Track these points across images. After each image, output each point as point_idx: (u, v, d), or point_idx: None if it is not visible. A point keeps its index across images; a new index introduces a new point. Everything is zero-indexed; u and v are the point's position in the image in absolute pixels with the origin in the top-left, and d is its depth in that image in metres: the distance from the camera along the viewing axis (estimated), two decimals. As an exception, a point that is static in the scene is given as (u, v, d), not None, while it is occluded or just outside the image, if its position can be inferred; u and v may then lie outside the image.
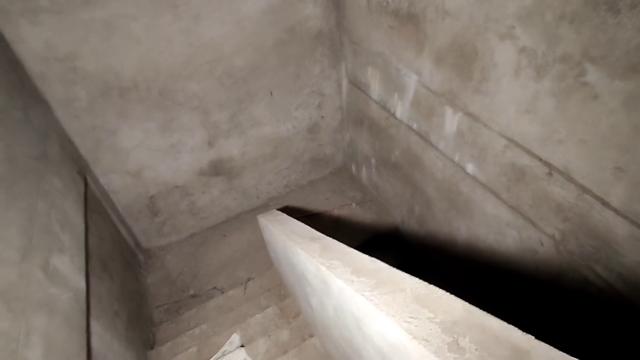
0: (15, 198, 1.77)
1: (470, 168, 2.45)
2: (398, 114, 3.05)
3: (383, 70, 3.04)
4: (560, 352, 0.63)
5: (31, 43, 2.44)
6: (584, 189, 1.74)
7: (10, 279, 1.53)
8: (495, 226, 2.43)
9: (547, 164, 1.89)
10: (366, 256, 1.36)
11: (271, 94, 3.58)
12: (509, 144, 2.07)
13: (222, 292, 3.42)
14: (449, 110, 2.44)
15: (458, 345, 0.72)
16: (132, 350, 2.52)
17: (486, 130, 2.19)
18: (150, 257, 3.82)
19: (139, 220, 3.66)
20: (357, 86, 3.57)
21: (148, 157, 3.33)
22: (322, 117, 4.04)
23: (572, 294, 2.02)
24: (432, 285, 0.98)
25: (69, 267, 2.02)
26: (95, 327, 2.11)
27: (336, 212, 4.16)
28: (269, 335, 2.48)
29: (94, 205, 2.86)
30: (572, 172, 1.77)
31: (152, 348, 2.87)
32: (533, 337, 0.69)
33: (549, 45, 1.64)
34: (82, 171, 2.83)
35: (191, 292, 3.51)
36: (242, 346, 2.46)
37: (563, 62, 1.61)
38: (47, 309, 1.70)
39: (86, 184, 2.81)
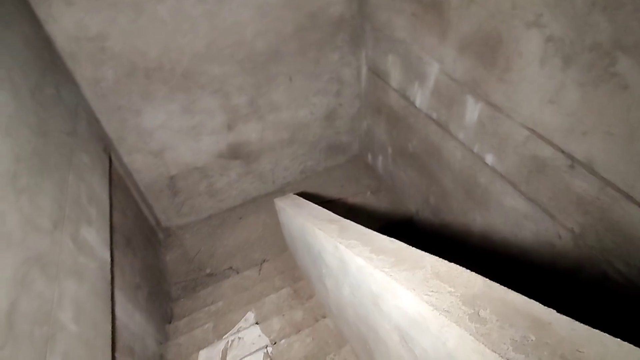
0: (49, 170, 1.85)
1: (489, 159, 2.44)
2: (417, 103, 3.04)
3: (404, 58, 3.02)
4: (583, 324, 0.65)
5: (63, 23, 2.51)
6: (607, 183, 1.73)
7: (44, 245, 1.62)
8: (512, 218, 2.43)
9: (569, 156, 1.87)
10: (385, 236, 1.39)
11: (290, 79, 3.60)
12: (531, 135, 2.05)
13: (238, 272, 3.51)
14: (470, 100, 2.43)
15: (479, 316, 0.75)
16: (152, 323, 2.62)
17: (508, 120, 2.18)
18: (169, 236, 3.93)
19: (160, 200, 3.77)
20: (377, 74, 3.56)
21: (170, 138, 3.40)
22: (340, 104, 4.04)
23: (589, 288, 2.01)
24: (452, 263, 1.00)
25: (96, 239, 2.11)
26: (119, 297, 2.21)
27: (350, 200, 4.19)
28: (283, 315, 2.55)
29: (118, 182, 2.96)
30: (596, 164, 1.76)
31: (170, 322, 2.98)
32: (554, 311, 0.71)
33: (579, 33, 1.62)
34: (107, 149, 2.92)
35: (208, 270, 3.61)
36: (256, 323, 2.54)
37: (592, 51, 1.58)
38: (76, 276, 1.79)
39: (111, 162, 2.90)
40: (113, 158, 3.00)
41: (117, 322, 2.11)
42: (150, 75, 2.99)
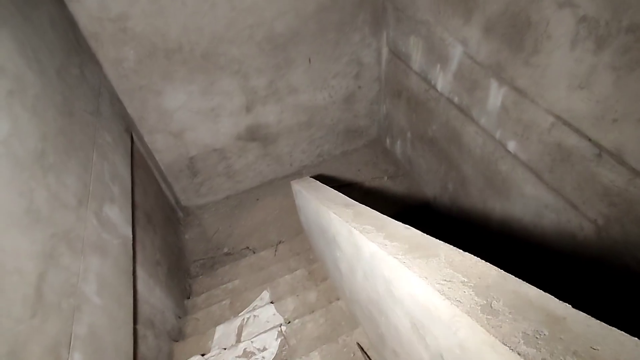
0: (75, 148, 1.91)
1: (511, 146, 2.37)
2: (439, 86, 2.96)
3: (426, 40, 2.93)
4: (598, 321, 0.64)
5: (86, 3, 2.54)
6: (637, 174, 1.66)
7: (70, 221, 1.69)
8: (533, 207, 2.37)
9: (597, 144, 1.80)
10: (400, 223, 1.39)
11: (309, 61, 3.55)
12: (557, 122, 1.98)
13: (254, 252, 3.58)
14: (494, 84, 2.34)
15: (491, 307, 0.74)
16: (171, 298, 2.73)
17: (533, 106, 2.10)
18: (188, 215, 4.04)
19: (180, 180, 3.85)
20: (398, 56, 3.47)
21: (190, 119, 3.44)
22: (359, 87, 3.98)
23: (609, 282, 1.96)
24: (466, 253, 0.99)
25: (119, 216, 2.19)
26: (140, 272, 2.30)
27: (367, 184, 4.17)
28: (297, 295, 2.60)
29: (139, 161, 3.03)
30: (625, 154, 1.68)
31: (188, 298, 3.09)
32: (570, 306, 0.69)
33: (615, 14, 1.52)
34: (129, 129, 2.98)
35: (225, 250, 3.70)
36: (271, 302, 2.61)
37: (629, 32, 1.49)
38: (100, 251, 1.86)
39: (132, 141, 2.96)
40: (135, 138, 3.07)
41: (139, 296, 2.20)
42: (170, 56, 3.01)
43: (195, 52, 3.07)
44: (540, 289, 0.77)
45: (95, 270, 1.75)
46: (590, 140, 1.82)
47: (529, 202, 2.37)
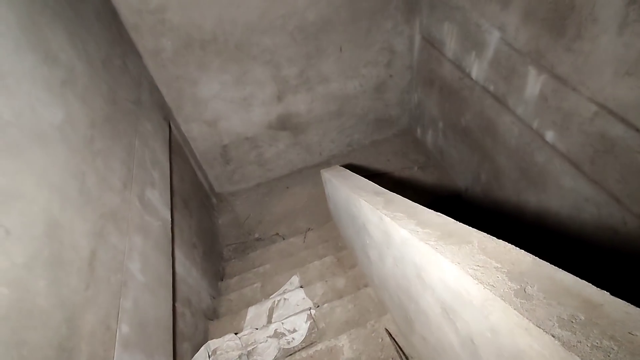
0: (119, 135, 2.03)
1: (549, 136, 2.28)
2: (474, 74, 2.88)
3: (461, 26, 2.85)
4: (638, 308, 0.63)
5: (128, -5, 2.65)
6: (686, 165, 1.57)
7: (117, 203, 1.81)
8: (571, 200, 2.29)
9: (644, 134, 1.71)
10: (431, 210, 1.39)
11: (340, 49, 3.54)
12: (600, 111, 1.89)
13: (284, 239, 3.67)
14: (532, 71, 2.26)
15: (525, 292, 0.74)
16: (206, 279, 2.86)
17: (574, 94, 2.01)
18: (221, 201, 4.18)
19: (213, 167, 3.98)
20: (431, 43, 3.40)
21: (223, 108, 3.54)
22: (391, 75, 3.93)
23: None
24: (500, 240, 0.99)
25: (159, 200, 2.31)
26: (178, 254, 2.43)
27: (397, 174, 4.15)
28: (326, 281, 2.66)
29: (177, 149, 3.16)
30: (675, 144, 1.59)
31: (222, 280, 3.22)
32: (608, 293, 0.69)
33: (670, -4, 1.43)
34: (167, 117, 3.11)
35: (256, 235, 3.81)
36: (301, 287, 2.68)
37: (684, 16, 1.40)
38: (143, 232, 1.98)
39: (170, 129, 3.09)
40: (172, 126, 3.20)
41: (177, 276, 2.33)
42: (206, 47, 3.10)
43: (229, 42, 3.14)
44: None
45: (138, 250, 1.87)
46: (637, 130, 1.73)
47: (567, 195, 2.29)
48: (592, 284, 0.74)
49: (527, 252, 0.93)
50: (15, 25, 1.45)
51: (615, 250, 2.06)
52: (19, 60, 1.41)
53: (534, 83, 2.28)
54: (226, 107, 3.56)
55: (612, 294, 0.73)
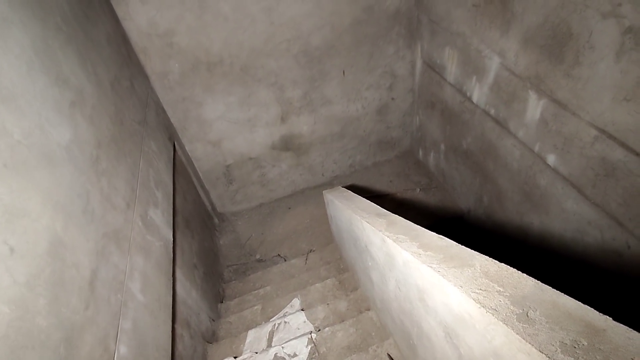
0: (124, 155, 2.06)
1: (551, 159, 2.30)
2: (474, 98, 2.93)
3: (462, 51, 2.92)
4: None
5: (138, 20, 2.75)
6: (688, 189, 1.57)
7: (120, 222, 1.82)
8: (574, 224, 2.28)
9: (645, 158, 1.72)
10: (434, 233, 1.39)
11: (343, 73, 3.63)
12: (600, 135, 1.91)
13: (285, 260, 3.64)
14: (533, 96, 2.30)
15: (527, 316, 0.74)
16: (206, 301, 2.83)
17: (574, 118, 2.04)
18: (223, 221, 4.17)
19: (216, 187, 4.00)
20: (432, 68, 3.47)
21: (228, 129, 3.60)
22: (393, 98, 4.00)
23: (658, 302, 1.85)
24: (502, 264, 0.99)
25: (161, 220, 2.32)
26: (178, 274, 2.41)
27: (399, 195, 4.15)
28: (328, 304, 2.62)
29: (180, 168, 3.19)
30: (675, 169, 1.60)
31: (221, 302, 3.18)
32: (610, 318, 0.68)
33: (663, 25, 1.48)
34: (172, 137, 3.16)
35: (257, 256, 3.79)
36: (302, 310, 2.64)
37: (679, 44, 1.44)
38: (144, 252, 1.98)
39: (174, 149, 3.13)
40: (176, 146, 3.24)
41: (177, 297, 2.30)
42: (212, 69, 3.18)
43: (235, 65, 3.22)
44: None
45: (139, 269, 1.87)
46: (637, 154, 1.75)
47: (570, 218, 2.29)
48: (596, 308, 0.74)
49: (531, 275, 0.93)
50: (29, 48, 1.50)
51: (620, 274, 2.03)
52: (31, 82, 1.45)
53: (534, 107, 2.32)
54: (230, 128, 3.61)
55: (615, 318, 0.72)
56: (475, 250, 1.15)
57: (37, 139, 1.38)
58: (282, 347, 2.28)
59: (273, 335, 2.48)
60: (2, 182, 1.16)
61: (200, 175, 3.83)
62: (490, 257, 1.08)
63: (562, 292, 0.82)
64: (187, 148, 3.57)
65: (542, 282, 0.88)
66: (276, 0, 2.99)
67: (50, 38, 1.68)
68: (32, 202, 1.26)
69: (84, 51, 1.97)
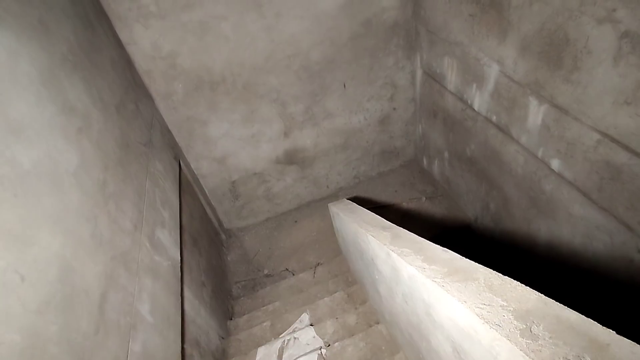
0: (130, 177, 2.10)
1: (555, 164, 2.29)
2: (476, 106, 2.94)
3: (461, 60, 2.94)
4: (644, 348, 0.62)
5: (141, 44, 2.82)
6: (695, 191, 1.55)
7: (127, 244, 1.84)
8: (582, 229, 2.25)
9: (649, 161, 1.71)
10: (438, 246, 1.39)
11: (344, 86, 3.66)
12: (603, 139, 1.90)
13: (293, 274, 3.63)
14: (533, 102, 2.30)
15: (531, 332, 0.74)
16: (215, 319, 2.83)
17: (576, 123, 2.04)
18: (230, 237, 4.19)
19: (222, 203, 4.03)
20: (432, 77, 3.49)
21: (232, 146, 3.64)
22: (394, 108, 4.02)
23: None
24: (506, 277, 0.99)
25: (168, 240, 2.34)
26: (187, 293, 2.42)
27: (405, 205, 4.14)
28: (337, 318, 2.61)
29: (186, 187, 3.23)
30: (681, 171, 1.59)
31: (231, 319, 3.18)
32: (614, 332, 0.68)
33: (658, 29, 1.48)
34: (177, 156, 3.21)
35: (265, 271, 3.79)
36: (311, 325, 2.63)
37: (675, 48, 1.44)
38: (152, 273, 2.00)
39: (180, 168, 3.18)
40: (182, 165, 3.29)
41: (185, 317, 2.31)
42: (215, 88, 3.24)
43: (237, 83, 3.28)
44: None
45: (148, 291, 1.88)
46: (641, 157, 1.74)
47: (578, 223, 2.26)
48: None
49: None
50: (37, 79, 1.55)
51: (632, 278, 2.00)
52: (39, 112, 1.49)
53: (535, 113, 2.32)
54: (235, 145, 3.65)
55: (624, 327, 0.71)
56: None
57: (46, 167, 1.41)
58: (293, 364, 2.27)
59: (283, 351, 2.47)
60: (13, 211, 1.19)
61: (207, 192, 3.86)
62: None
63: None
64: (192, 166, 3.62)
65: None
66: (275, 19, 3.05)
67: (57, 68, 1.74)
68: (42, 230, 1.29)
69: (89, 77, 2.02)
